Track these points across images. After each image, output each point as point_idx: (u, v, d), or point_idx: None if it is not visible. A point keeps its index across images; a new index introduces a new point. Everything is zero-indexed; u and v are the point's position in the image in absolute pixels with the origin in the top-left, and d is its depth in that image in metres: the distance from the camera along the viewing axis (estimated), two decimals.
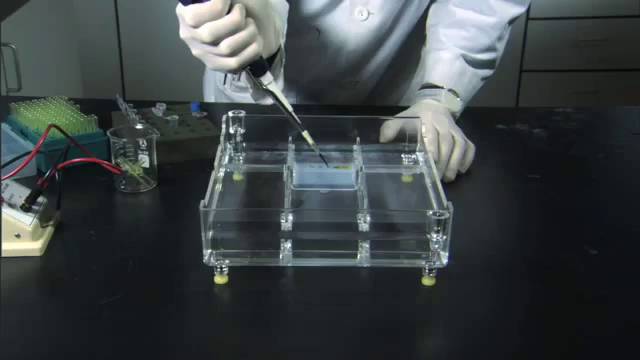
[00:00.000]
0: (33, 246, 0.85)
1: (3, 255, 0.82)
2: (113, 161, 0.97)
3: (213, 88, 1.34)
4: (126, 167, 0.96)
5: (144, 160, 0.97)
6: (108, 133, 0.98)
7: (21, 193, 0.87)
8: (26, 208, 0.86)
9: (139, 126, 1.00)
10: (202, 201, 0.78)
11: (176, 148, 1.04)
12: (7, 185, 0.88)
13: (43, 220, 0.87)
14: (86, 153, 0.95)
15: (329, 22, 1.17)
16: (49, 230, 0.87)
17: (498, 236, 0.91)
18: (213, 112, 1.13)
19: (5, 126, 1.08)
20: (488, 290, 0.81)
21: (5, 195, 0.86)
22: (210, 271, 0.80)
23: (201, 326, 0.76)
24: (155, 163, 0.98)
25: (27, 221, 0.85)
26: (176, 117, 1.09)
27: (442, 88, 1.13)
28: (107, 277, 0.82)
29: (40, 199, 0.87)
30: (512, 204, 0.97)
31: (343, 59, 1.21)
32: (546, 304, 0.78)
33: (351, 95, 1.27)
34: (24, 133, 1.05)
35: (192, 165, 0.99)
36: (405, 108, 1.12)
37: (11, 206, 0.85)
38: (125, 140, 0.97)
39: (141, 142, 0.96)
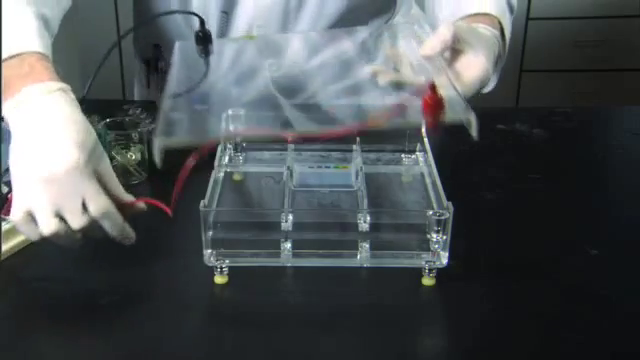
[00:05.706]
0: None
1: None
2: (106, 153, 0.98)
3: None
4: (119, 158, 0.98)
5: (136, 152, 0.99)
6: (101, 125, 0.98)
7: None
8: None
9: (132, 118, 1.03)
10: (202, 201, 0.79)
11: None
12: None
13: None
14: None
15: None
16: None
17: (498, 236, 0.91)
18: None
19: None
20: (488, 290, 0.81)
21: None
22: (210, 271, 0.80)
23: (201, 326, 0.76)
24: (147, 156, 0.99)
25: None
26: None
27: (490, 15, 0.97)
28: (106, 277, 0.82)
29: None
30: (512, 204, 0.97)
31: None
32: (546, 304, 0.78)
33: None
34: None
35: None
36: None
37: None
38: (118, 132, 0.98)
39: (134, 135, 0.98)
